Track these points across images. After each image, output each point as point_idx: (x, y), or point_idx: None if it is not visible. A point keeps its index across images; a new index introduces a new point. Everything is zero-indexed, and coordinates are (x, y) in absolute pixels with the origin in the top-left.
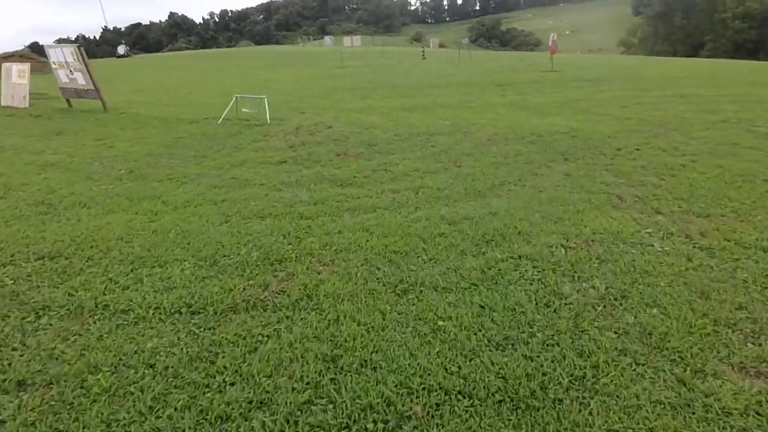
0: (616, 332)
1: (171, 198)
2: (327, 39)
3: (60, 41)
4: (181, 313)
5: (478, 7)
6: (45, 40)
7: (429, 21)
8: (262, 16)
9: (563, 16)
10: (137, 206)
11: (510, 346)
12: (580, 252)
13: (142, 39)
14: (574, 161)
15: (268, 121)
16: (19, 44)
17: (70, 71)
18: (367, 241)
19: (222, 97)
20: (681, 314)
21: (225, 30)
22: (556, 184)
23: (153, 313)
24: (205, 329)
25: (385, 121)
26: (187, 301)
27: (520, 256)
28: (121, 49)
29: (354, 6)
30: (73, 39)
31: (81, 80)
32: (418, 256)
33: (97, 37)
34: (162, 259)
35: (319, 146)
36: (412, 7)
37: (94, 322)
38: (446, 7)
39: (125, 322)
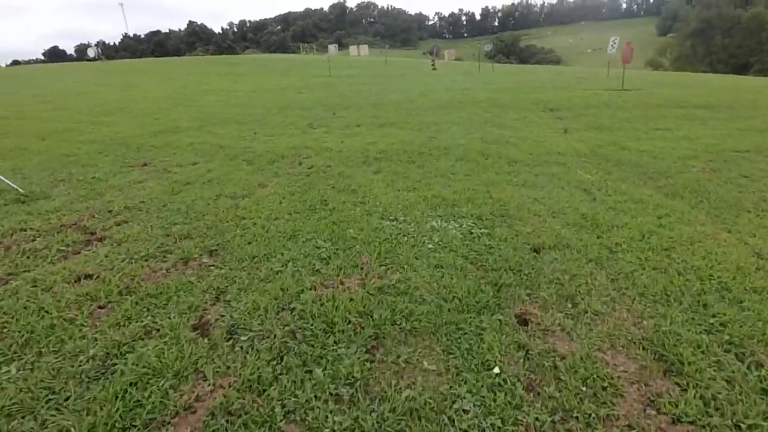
0: None
1: None
2: (331, 48)
3: (80, 45)
4: None
5: (497, 23)
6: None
7: (446, 36)
8: (279, 27)
9: (583, 35)
10: None
11: None
12: None
13: (161, 46)
14: None
15: None
16: (39, 48)
17: None
18: None
19: (101, 116)
20: None
21: (242, 40)
22: None
23: None
24: None
25: (290, 224)
26: None
27: None
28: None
29: (372, 20)
30: (93, 44)
31: None
32: None
33: (117, 44)
34: None
35: None
36: (430, 22)
37: None
38: (464, 23)
39: None
